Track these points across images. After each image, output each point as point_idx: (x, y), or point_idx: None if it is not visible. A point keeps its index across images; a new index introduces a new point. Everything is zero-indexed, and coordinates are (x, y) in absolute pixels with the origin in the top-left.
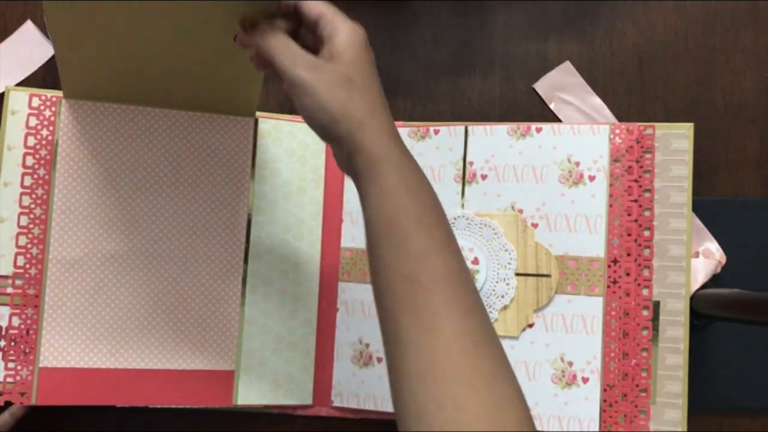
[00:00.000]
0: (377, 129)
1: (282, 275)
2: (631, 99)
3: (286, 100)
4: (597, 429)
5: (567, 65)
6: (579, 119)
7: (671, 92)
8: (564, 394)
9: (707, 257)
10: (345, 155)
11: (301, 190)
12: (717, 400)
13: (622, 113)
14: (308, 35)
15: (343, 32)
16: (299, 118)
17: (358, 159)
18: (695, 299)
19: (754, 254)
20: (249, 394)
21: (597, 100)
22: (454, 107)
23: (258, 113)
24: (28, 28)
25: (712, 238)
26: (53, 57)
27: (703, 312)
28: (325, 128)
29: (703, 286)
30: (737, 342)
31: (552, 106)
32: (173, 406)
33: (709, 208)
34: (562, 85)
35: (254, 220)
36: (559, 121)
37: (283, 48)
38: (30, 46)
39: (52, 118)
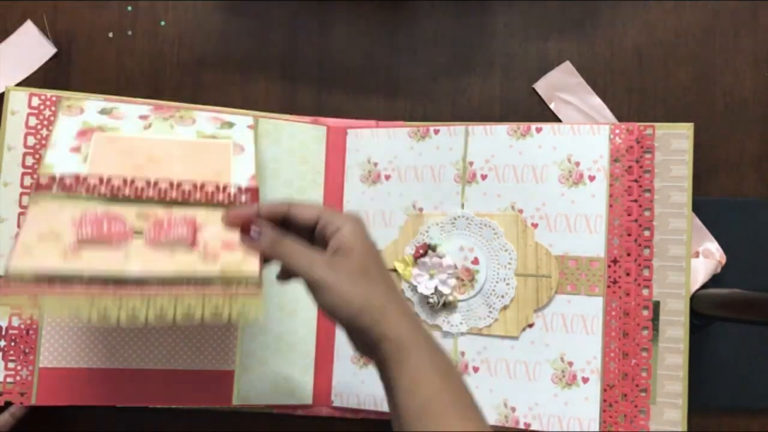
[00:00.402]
0: (398, 314)
1: None
2: (631, 99)
3: (286, 99)
4: (597, 429)
5: (567, 65)
6: (579, 119)
7: (671, 92)
8: (564, 394)
9: (707, 257)
10: (368, 344)
11: (301, 190)
12: (717, 400)
13: (622, 113)
14: (301, 236)
15: (347, 227)
16: (300, 118)
17: (384, 347)
18: (695, 299)
19: (754, 254)
20: (249, 395)
21: (597, 100)
22: (454, 107)
23: (258, 113)
24: (28, 28)
25: (712, 238)
26: (53, 57)
27: (703, 312)
28: (350, 320)
29: (704, 286)
30: (737, 342)
31: (552, 106)
32: (173, 407)
33: (709, 208)
34: (562, 85)
35: None
36: (559, 121)
37: (296, 253)
38: (30, 46)
39: (52, 118)
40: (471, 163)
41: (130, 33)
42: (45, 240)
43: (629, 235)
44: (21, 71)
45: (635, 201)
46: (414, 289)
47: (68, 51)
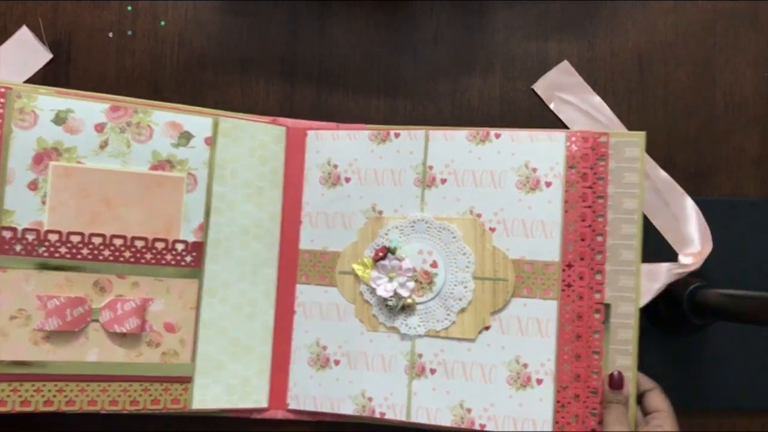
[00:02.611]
0: None
1: (239, 277)
2: (631, 99)
3: (285, 99)
4: (550, 430)
5: (565, 65)
6: (579, 118)
7: (671, 92)
8: (519, 395)
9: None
10: None
11: (260, 191)
12: (717, 400)
13: (622, 113)
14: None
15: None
16: (260, 118)
17: None
18: (695, 299)
19: (754, 254)
20: (205, 398)
21: (597, 99)
22: (454, 107)
23: (218, 112)
24: (24, 33)
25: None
26: (53, 57)
27: (703, 312)
28: None
29: (703, 287)
30: (737, 342)
31: (552, 106)
32: (128, 411)
33: (709, 208)
34: (561, 84)
35: (212, 221)
36: (560, 120)
37: (611, 417)
38: (25, 52)
39: (1, 110)
40: (431, 167)
41: (130, 33)
42: (16, 323)
43: (583, 240)
44: (17, 77)
45: (589, 207)
46: (373, 291)
47: (68, 51)
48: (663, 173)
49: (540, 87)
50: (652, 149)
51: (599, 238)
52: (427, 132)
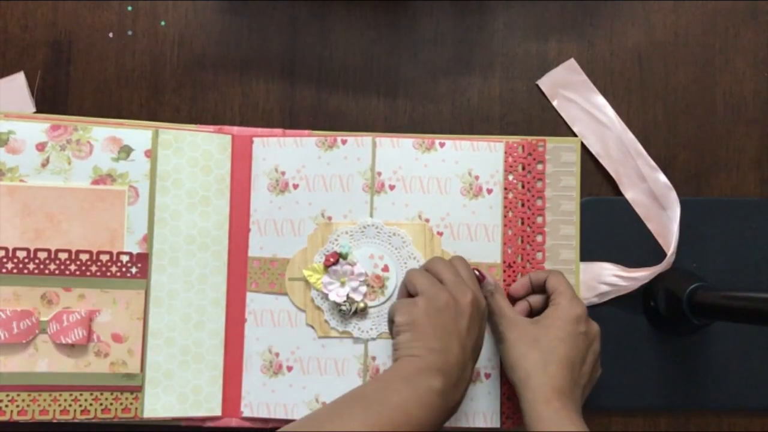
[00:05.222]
0: (540, 382)
1: (187, 287)
2: (631, 99)
3: (285, 99)
4: (498, 423)
5: (571, 63)
6: (582, 117)
7: (671, 92)
8: (469, 390)
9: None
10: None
11: (205, 200)
12: (717, 400)
13: (622, 113)
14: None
15: (560, 307)
16: (203, 127)
17: (521, 403)
18: (695, 299)
19: (754, 254)
20: (156, 407)
21: (600, 99)
22: (454, 107)
23: (158, 124)
24: (20, 78)
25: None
26: (53, 57)
27: (704, 312)
28: (506, 372)
29: (703, 287)
30: (737, 342)
31: (555, 104)
32: (78, 420)
33: (709, 208)
34: (566, 82)
35: (157, 232)
36: (561, 120)
37: (498, 306)
38: (12, 96)
39: None
40: (379, 174)
41: (130, 33)
42: None
43: (523, 241)
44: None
45: (528, 210)
46: (324, 297)
47: (68, 51)
48: (663, 177)
49: (545, 83)
50: (652, 149)
51: (539, 239)
52: (375, 139)
